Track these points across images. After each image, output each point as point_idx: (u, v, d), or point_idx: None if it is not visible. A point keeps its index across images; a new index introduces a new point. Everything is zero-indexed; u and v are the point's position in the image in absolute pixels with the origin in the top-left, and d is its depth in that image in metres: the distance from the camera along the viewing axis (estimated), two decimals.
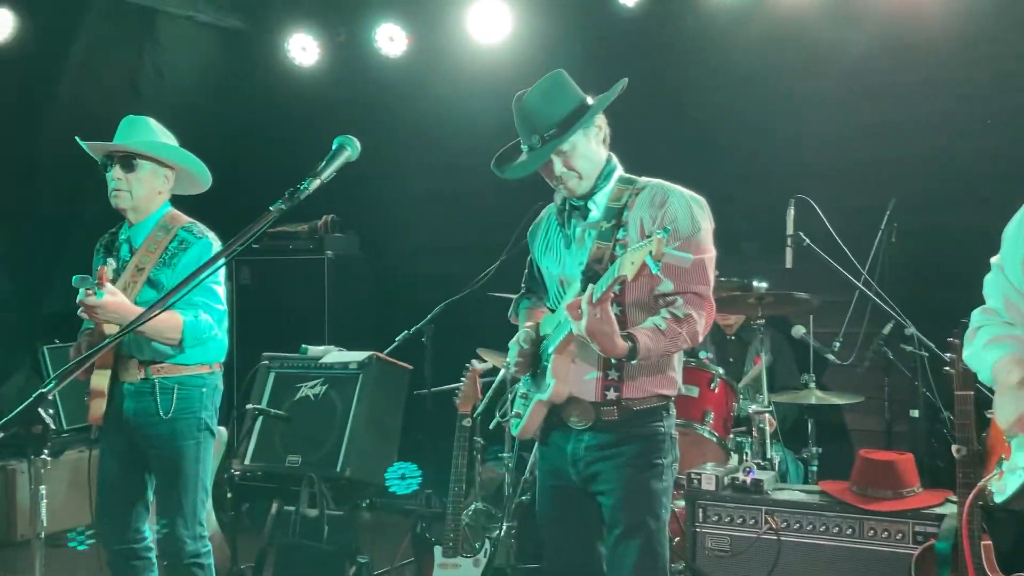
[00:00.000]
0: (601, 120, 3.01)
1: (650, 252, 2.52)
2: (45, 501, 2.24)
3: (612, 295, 2.69)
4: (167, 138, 3.80)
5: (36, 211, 6.89)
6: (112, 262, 3.61)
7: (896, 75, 5.49)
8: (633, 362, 2.82)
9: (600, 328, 2.70)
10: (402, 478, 4.48)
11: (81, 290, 3.45)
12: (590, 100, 2.99)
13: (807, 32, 5.60)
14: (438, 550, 4.26)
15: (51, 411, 1.97)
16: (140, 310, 3.47)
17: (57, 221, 6.58)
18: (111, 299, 3.45)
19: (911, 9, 5.36)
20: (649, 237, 2.57)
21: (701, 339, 2.94)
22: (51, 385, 1.99)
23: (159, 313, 2.46)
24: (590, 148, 2.97)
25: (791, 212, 4.61)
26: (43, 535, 2.29)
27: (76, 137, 3.70)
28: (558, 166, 2.95)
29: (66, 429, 6.02)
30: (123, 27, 6.83)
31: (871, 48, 5.47)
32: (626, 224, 2.92)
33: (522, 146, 3.03)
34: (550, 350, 2.95)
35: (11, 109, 6.73)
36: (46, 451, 2.09)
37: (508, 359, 3.13)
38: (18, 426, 1.91)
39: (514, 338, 3.11)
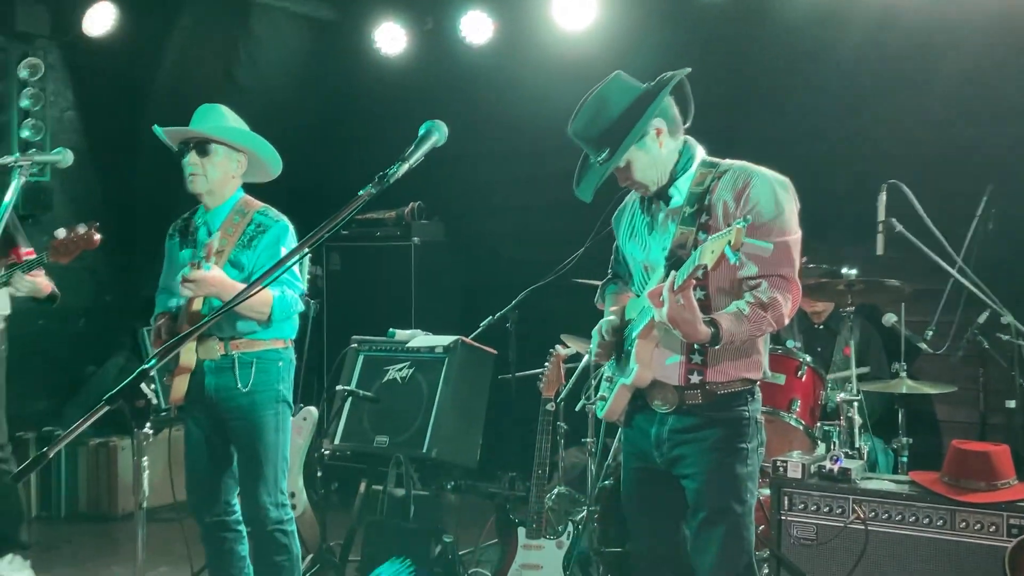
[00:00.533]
0: (659, 121, 2.91)
1: (729, 242, 2.51)
2: (147, 472, 2.32)
3: (694, 282, 2.68)
4: (238, 124, 3.91)
5: (136, 197, 7.15)
6: (219, 235, 3.75)
7: (995, 59, 5.32)
8: (716, 347, 2.80)
9: (682, 315, 2.69)
10: None
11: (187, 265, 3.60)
12: (661, 79, 2.93)
13: (907, 15, 5.45)
14: (522, 531, 4.32)
15: (152, 387, 2.05)
16: (238, 284, 3.61)
17: (156, 207, 6.80)
18: (214, 274, 3.59)
19: None
20: (731, 226, 2.56)
21: (787, 322, 2.90)
22: (153, 361, 2.08)
23: (260, 290, 2.58)
24: (650, 155, 2.92)
25: (883, 197, 4.49)
26: (145, 505, 2.38)
27: (154, 126, 3.83)
28: (621, 179, 2.96)
29: (163, 408, 6.21)
30: (219, 18, 7.03)
31: (969, 32, 5.30)
32: (709, 208, 2.89)
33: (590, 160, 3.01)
34: (634, 335, 2.96)
35: (112, 99, 7.00)
36: (148, 424, 2.19)
37: (590, 347, 3.15)
38: (122, 400, 1.99)
39: (597, 325, 3.12)
